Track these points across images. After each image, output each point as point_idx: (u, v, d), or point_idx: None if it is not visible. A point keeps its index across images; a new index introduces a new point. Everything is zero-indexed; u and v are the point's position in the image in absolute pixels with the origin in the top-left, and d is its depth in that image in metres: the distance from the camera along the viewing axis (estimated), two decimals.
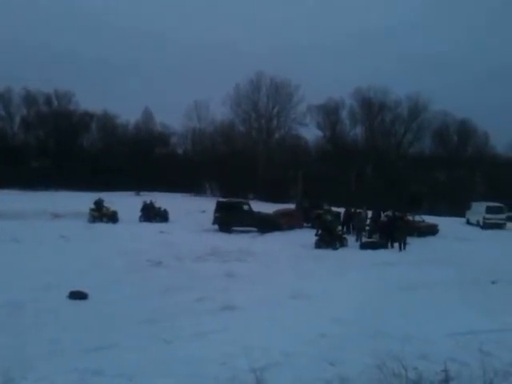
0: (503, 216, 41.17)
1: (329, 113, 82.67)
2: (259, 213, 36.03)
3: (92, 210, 36.87)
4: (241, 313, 12.95)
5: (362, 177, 77.00)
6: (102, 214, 36.60)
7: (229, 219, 34.41)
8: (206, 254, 23.46)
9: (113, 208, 37.30)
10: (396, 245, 28.16)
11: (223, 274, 18.61)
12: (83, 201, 39.81)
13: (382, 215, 32.55)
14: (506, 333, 9.82)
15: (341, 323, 11.08)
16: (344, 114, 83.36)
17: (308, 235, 29.73)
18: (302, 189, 54.28)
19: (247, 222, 34.83)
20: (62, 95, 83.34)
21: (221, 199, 39.30)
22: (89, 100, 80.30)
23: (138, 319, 12.03)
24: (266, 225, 34.67)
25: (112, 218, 36.43)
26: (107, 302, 13.95)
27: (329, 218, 31.16)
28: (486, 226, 40.13)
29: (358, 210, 34.26)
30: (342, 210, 36.08)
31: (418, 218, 35.29)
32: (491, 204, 42.45)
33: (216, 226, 34.54)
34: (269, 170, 74.07)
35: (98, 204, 37.39)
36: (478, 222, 42.02)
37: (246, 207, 36.12)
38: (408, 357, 7.90)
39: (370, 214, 33.99)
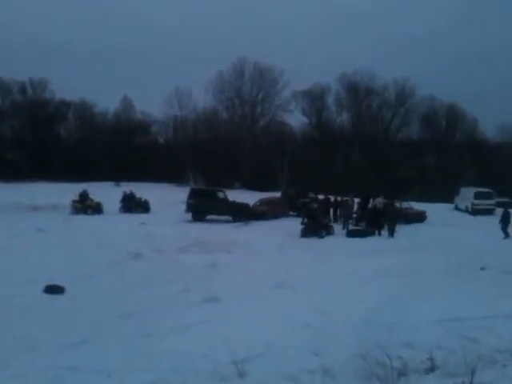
0: (492, 201, 41.43)
1: (314, 99, 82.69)
2: (234, 201, 36.04)
3: (74, 201, 36.66)
4: (224, 304, 12.91)
5: (349, 163, 77.11)
6: (86, 206, 36.44)
7: (202, 207, 34.51)
8: (188, 244, 23.43)
9: (97, 199, 37.18)
10: (383, 232, 28.30)
11: (206, 265, 18.59)
12: (61, 192, 39.65)
13: (372, 202, 32.55)
14: (493, 319, 9.85)
15: (326, 312, 11.05)
16: (330, 99, 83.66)
17: (294, 224, 29.79)
18: (288, 177, 54.33)
19: (222, 210, 34.86)
20: (36, 83, 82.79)
21: (195, 187, 39.11)
22: (65, 88, 79.41)
23: (116, 313, 11.95)
24: (241, 213, 34.68)
25: (97, 209, 36.29)
26: (85, 296, 13.87)
27: (315, 206, 31.27)
28: (474, 211, 40.39)
29: (344, 198, 34.38)
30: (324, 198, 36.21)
31: (405, 204, 35.43)
32: (480, 189, 42.73)
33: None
34: (254, 158, 74.04)
35: (84, 196, 37.21)
36: (466, 207, 42.35)
37: (220, 195, 36.12)
38: (393, 345, 7.91)
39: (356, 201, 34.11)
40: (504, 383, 6.54)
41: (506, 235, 27.03)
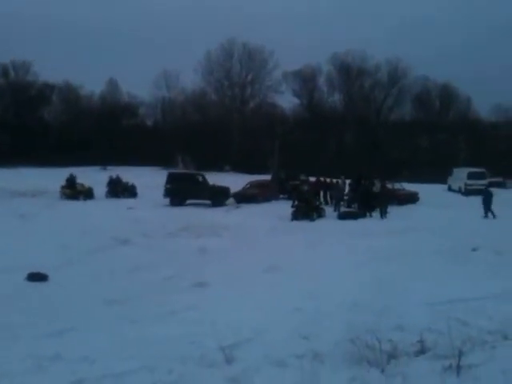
0: (485, 181, 41.28)
1: (305, 79, 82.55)
2: (214, 185, 35.93)
3: (64, 187, 36.46)
4: (212, 289, 12.92)
5: (340, 145, 77.10)
6: (76, 192, 36.23)
7: (181, 192, 34.36)
8: (176, 229, 23.37)
9: (87, 184, 37.05)
10: (374, 214, 28.37)
11: (195, 250, 18.57)
12: (46, 177, 39.41)
13: (364, 183, 32.48)
14: (484, 301, 9.90)
15: (316, 296, 11.07)
16: (321, 80, 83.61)
17: (284, 207, 29.73)
18: (279, 159, 54.27)
19: (200, 194, 34.74)
20: (19, 66, 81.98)
21: (173, 171, 38.91)
22: (49, 70, 79.05)
23: (102, 300, 11.93)
24: (220, 197, 34.67)
25: (88, 195, 36.13)
26: (69, 283, 13.81)
27: (305, 188, 31.24)
28: (467, 192, 40.37)
29: (334, 180, 34.35)
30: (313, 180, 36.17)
31: (398, 185, 35.46)
32: (473, 169, 42.79)
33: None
34: (244, 141, 73.87)
35: (71, 181, 36.98)
36: (459, 188, 42.36)
37: (199, 179, 36.02)
38: (384, 328, 7.94)
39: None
40: (492, 365, 6.58)
41: (487, 215, 27.51)
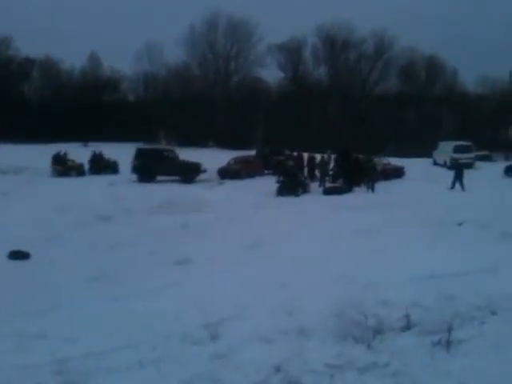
0: (471, 155, 41.39)
1: (290, 52, 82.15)
2: (184, 160, 35.85)
3: (54, 163, 36.31)
4: (195, 266, 12.93)
5: (325, 118, 77.06)
6: (68, 168, 36.11)
7: (149, 168, 34.14)
8: (159, 205, 23.29)
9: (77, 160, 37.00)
10: (359, 189, 28.60)
11: (177, 227, 18.54)
12: (27, 154, 39.09)
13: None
14: (471, 276, 9.95)
15: (301, 272, 11.08)
16: (307, 53, 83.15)
17: (269, 183, 29.72)
18: (263, 134, 54.23)
19: (169, 170, 34.62)
20: (0, 41, 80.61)
21: (142, 146, 38.65)
22: (30, 45, 77.83)
23: (84, 277, 11.91)
24: (190, 173, 34.60)
25: (80, 171, 36.00)
26: (51, 260, 13.78)
27: (290, 163, 31.26)
28: (453, 166, 40.21)
29: (318, 155, 34.32)
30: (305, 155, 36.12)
31: (384, 160, 35.51)
32: (459, 143, 42.61)
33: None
34: (228, 116, 73.60)
35: (61, 158, 36.87)
36: (445, 162, 41.85)
37: (168, 154, 35.89)
38: (369, 304, 7.98)
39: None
40: (482, 340, 6.63)
41: (453, 187, 28.55)
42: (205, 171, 35.24)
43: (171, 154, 36.02)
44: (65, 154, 37.49)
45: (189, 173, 34.54)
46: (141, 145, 42.52)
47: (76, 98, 77.25)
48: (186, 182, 33.43)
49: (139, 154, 35.52)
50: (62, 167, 36.17)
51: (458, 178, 28.81)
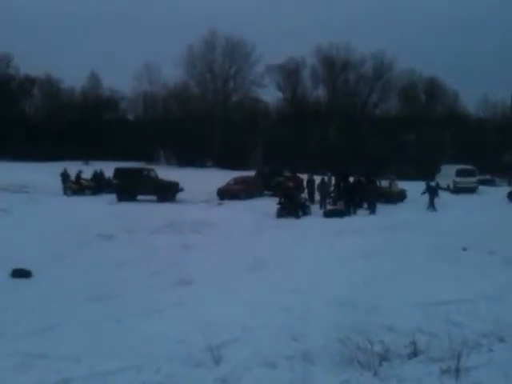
0: (474, 179, 41.14)
1: (289, 73, 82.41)
2: (162, 180, 35.90)
3: (68, 181, 36.50)
4: (197, 287, 12.87)
5: (325, 140, 77.17)
6: (83, 187, 36.21)
7: (127, 187, 34.16)
8: (160, 225, 23.23)
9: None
10: (360, 212, 28.61)
11: (179, 247, 18.50)
12: (28, 172, 38.99)
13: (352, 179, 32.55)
14: (476, 302, 9.90)
15: (303, 295, 11.04)
16: (305, 73, 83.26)
17: (269, 204, 29.74)
18: (262, 154, 54.26)
19: (147, 189, 34.53)
20: (0, 58, 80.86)
21: (119, 167, 38.70)
22: (29, 63, 78.12)
23: (86, 297, 11.84)
24: (167, 192, 34.56)
25: (95, 190, 36.04)
26: (53, 279, 13.73)
27: (290, 185, 31.25)
28: (456, 190, 40.07)
29: (323, 177, 34.25)
30: (304, 177, 36.07)
31: (384, 183, 35.40)
32: (462, 167, 42.39)
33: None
34: (227, 135, 73.75)
35: (68, 176, 37.05)
36: (448, 185, 41.50)
37: (146, 173, 36.04)
38: (374, 329, 7.94)
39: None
40: (491, 368, 6.57)
41: (434, 208, 29.35)
42: (182, 190, 35.08)
43: (150, 174, 36.05)
44: (79, 172, 37.65)
45: (165, 192, 34.49)
46: (141, 164, 42.62)
47: (76, 117, 77.37)
48: (162, 201, 33.42)
49: (118, 174, 35.64)
50: (77, 186, 36.27)
51: (431, 198, 29.72)
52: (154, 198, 34.19)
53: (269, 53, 78.00)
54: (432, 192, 30.11)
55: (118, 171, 36.14)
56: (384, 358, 7.12)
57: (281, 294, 11.28)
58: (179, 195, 34.70)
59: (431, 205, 29.51)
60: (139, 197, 34.40)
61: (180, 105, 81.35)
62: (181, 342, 8.35)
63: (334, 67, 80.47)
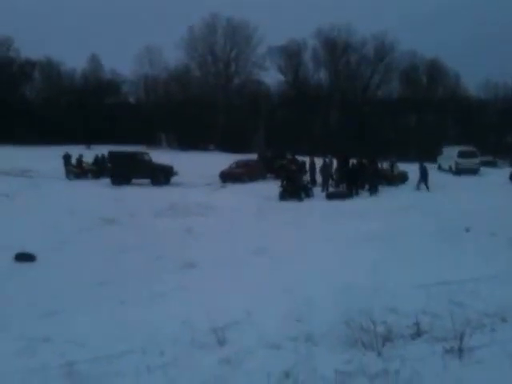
0: (477, 160, 41.06)
1: (290, 55, 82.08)
2: (156, 163, 35.70)
3: (71, 166, 36.45)
4: (201, 270, 12.91)
5: (326, 123, 76.98)
6: (85, 171, 36.18)
7: (121, 171, 34.12)
8: (163, 209, 23.23)
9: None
10: (362, 193, 28.63)
11: (182, 231, 18.50)
12: (29, 156, 38.91)
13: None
14: (479, 283, 9.93)
15: (306, 278, 11.11)
16: (307, 56, 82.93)
17: (271, 187, 29.66)
18: (264, 138, 54.09)
19: (141, 173, 34.36)
20: (0, 42, 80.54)
21: (113, 150, 38.55)
22: (30, 47, 77.74)
23: (90, 281, 11.90)
24: (161, 175, 34.42)
25: (97, 173, 35.98)
26: (57, 263, 13.77)
27: (293, 167, 31.20)
28: (458, 171, 39.99)
29: (325, 159, 34.16)
30: (306, 159, 35.98)
31: (385, 165, 35.32)
32: (464, 148, 42.20)
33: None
34: (229, 119, 73.55)
35: (70, 159, 37.12)
36: (450, 167, 41.49)
37: (140, 157, 35.88)
38: (377, 311, 7.98)
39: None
40: (494, 348, 6.62)
41: (419, 188, 30.15)
42: (176, 174, 34.96)
43: (144, 157, 35.92)
44: (80, 156, 37.60)
45: (159, 176, 34.41)
46: (144, 148, 42.46)
47: (77, 100, 77.17)
48: (156, 185, 33.29)
49: (112, 158, 35.65)
50: (79, 170, 36.26)
51: (424, 178, 30.18)
52: (148, 181, 34.05)
53: (270, 35, 77.90)
54: (423, 173, 30.56)
55: (112, 155, 36.15)
56: (387, 338, 7.16)
57: (284, 277, 11.33)
58: (181, 179, 34.57)
59: (424, 184, 30.23)
60: (133, 181, 34.27)
61: (181, 88, 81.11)
62: (185, 324, 8.38)
63: (335, 49, 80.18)
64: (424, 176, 30.44)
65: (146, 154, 36.82)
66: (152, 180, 33.90)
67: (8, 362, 7.21)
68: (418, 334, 7.34)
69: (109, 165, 35.17)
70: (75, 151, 39.29)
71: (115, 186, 32.70)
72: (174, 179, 34.24)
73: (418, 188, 30.13)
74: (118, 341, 7.80)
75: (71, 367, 6.92)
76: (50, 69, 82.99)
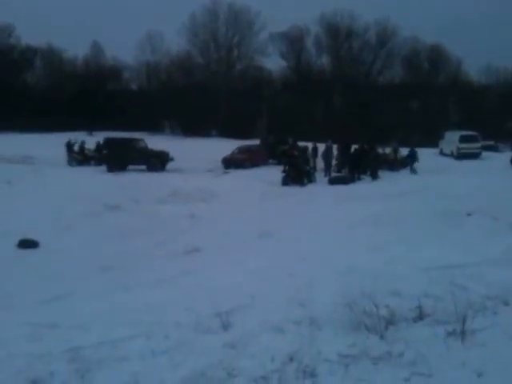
0: (478, 145, 41.19)
1: (293, 41, 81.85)
2: (152, 150, 35.65)
3: (73, 152, 36.49)
4: (205, 255, 13.00)
5: (329, 108, 76.87)
6: (87, 157, 36.17)
7: (117, 157, 34.09)
8: (166, 195, 23.29)
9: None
10: (364, 178, 28.72)
11: (185, 216, 18.61)
12: (30, 143, 38.88)
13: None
14: (481, 266, 9.94)
15: (310, 262, 11.12)
16: (309, 41, 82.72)
17: (274, 172, 29.71)
18: (267, 123, 53.99)
19: (136, 159, 34.37)
20: (1, 29, 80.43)
21: (109, 137, 38.50)
22: (31, 34, 77.53)
23: (94, 266, 11.99)
24: (157, 162, 34.41)
25: (99, 160, 35.96)
26: (61, 249, 13.88)
27: (295, 153, 31.20)
28: (459, 155, 40.11)
29: (327, 144, 34.14)
30: (309, 145, 35.98)
31: (388, 149, 35.31)
32: (465, 132, 42.35)
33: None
34: (231, 105, 73.44)
35: (73, 146, 37.15)
36: (451, 152, 41.68)
37: (136, 144, 35.88)
38: (380, 294, 7.98)
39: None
40: (496, 330, 6.64)
41: (414, 172, 30.72)
42: (172, 160, 34.91)
43: (140, 144, 35.85)
44: (83, 142, 37.60)
45: (155, 162, 34.36)
46: (146, 134, 42.41)
47: (79, 87, 77.11)
48: (152, 171, 33.25)
49: (108, 144, 35.62)
50: (82, 157, 36.24)
51: (411, 162, 31.21)
52: (143, 167, 34.03)
53: (272, 21, 77.40)
54: (412, 157, 31.41)
55: (107, 142, 36.11)
56: (390, 321, 7.17)
57: (288, 262, 11.35)
58: (183, 165, 34.58)
59: (410, 168, 31.23)
60: (129, 167, 34.25)
61: (183, 74, 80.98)
62: (189, 309, 8.39)
63: (337, 35, 79.95)
64: (412, 160, 31.22)
65: (142, 140, 36.74)
66: (147, 166, 33.87)
67: (13, 347, 7.22)
68: (420, 317, 7.34)
69: (104, 151, 35.11)
70: (78, 138, 39.26)
71: (111, 172, 32.65)
72: (176, 165, 34.17)
73: (411, 172, 30.68)
74: (122, 325, 7.82)
75: (76, 352, 6.92)
76: (51, 56, 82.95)
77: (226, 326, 7.58)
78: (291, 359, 6.35)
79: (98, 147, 38.39)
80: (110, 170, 33.22)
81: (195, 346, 7.03)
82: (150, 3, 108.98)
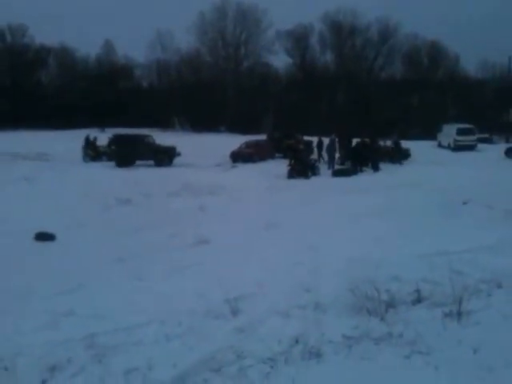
0: (474, 137, 41.77)
1: (298, 39, 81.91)
2: (159, 145, 35.66)
3: (87, 148, 36.55)
4: (215, 246, 13.06)
5: (333, 104, 76.89)
6: (100, 153, 36.24)
7: (126, 153, 34.06)
8: (176, 189, 23.31)
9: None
10: (366, 170, 28.88)
11: (195, 209, 18.67)
12: (45, 140, 38.97)
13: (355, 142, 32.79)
14: (477, 253, 10.08)
15: (315, 251, 11.24)
16: (314, 39, 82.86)
17: (280, 166, 29.79)
18: (273, 119, 54.05)
19: (144, 155, 34.32)
20: (16, 29, 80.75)
21: (117, 133, 38.47)
22: (44, 33, 77.62)
23: (108, 259, 12.05)
24: (164, 157, 34.37)
25: (112, 156, 35.97)
26: (76, 242, 13.97)
27: (300, 147, 31.33)
28: (456, 147, 40.64)
29: (331, 138, 34.23)
30: (314, 139, 36.11)
31: (389, 143, 35.40)
32: (462, 125, 42.96)
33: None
34: (239, 101, 73.51)
35: (88, 141, 37.23)
36: (449, 144, 42.45)
37: (144, 140, 35.86)
38: (381, 280, 8.13)
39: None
40: (490, 311, 6.81)
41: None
42: (179, 155, 34.83)
43: (147, 140, 35.91)
44: (95, 138, 37.69)
45: (162, 157, 34.30)
46: (157, 130, 42.44)
47: (92, 85, 77.35)
48: (160, 166, 33.20)
49: (116, 140, 35.53)
50: (94, 153, 36.32)
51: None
52: (151, 162, 34.03)
53: (278, 19, 77.42)
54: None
55: (115, 138, 36.05)
56: (390, 305, 7.34)
57: (294, 252, 11.47)
58: (192, 160, 34.63)
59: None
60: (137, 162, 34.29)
61: (192, 71, 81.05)
62: (200, 297, 8.52)
63: (341, 32, 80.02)
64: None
65: (149, 136, 36.75)
66: (155, 161, 33.95)
67: (33, 335, 7.36)
68: (419, 300, 7.52)
69: (112, 147, 35.10)
70: (91, 134, 39.31)
71: (119, 167, 32.70)
72: (186, 160, 34.21)
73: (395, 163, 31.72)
74: (136, 313, 7.95)
75: (93, 339, 7.07)
76: (64, 55, 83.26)
77: (235, 312, 7.74)
78: (297, 341, 6.52)
79: (110, 143, 38.52)
80: (119, 165, 33.27)
81: (206, 331, 7.17)
82: (160, 2, 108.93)
